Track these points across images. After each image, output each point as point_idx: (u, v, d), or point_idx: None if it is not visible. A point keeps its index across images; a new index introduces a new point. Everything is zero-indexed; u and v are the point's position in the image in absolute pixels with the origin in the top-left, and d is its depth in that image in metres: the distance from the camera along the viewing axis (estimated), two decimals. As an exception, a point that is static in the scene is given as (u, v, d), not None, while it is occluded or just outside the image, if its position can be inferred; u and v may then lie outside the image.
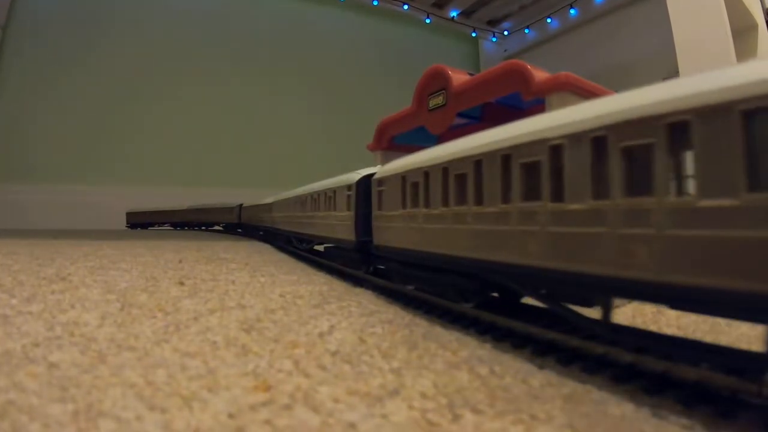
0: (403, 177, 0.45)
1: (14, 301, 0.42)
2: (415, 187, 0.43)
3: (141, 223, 2.50)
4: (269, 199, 1.25)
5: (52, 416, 0.19)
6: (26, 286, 0.49)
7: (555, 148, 0.26)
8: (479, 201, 0.33)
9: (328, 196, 0.68)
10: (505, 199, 0.30)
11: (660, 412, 0.21)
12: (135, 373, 0.24)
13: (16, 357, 0.26)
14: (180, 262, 0.79)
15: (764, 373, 0.21)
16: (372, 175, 0.55)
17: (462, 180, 0.36)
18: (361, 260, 0.58)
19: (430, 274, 0.42)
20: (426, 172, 0.41)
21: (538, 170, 0.28)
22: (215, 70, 2.68)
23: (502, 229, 0.31)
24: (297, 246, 0.95)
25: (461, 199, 0.36)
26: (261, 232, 1.46)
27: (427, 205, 0.41)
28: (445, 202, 0.38)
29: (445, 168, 0.38)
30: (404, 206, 0.45)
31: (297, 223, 0.91)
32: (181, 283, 0.55)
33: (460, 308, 0.38)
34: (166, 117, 2.56)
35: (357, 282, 0.59)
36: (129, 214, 2.49)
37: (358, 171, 0.59)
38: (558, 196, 0.26)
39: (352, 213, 0.57)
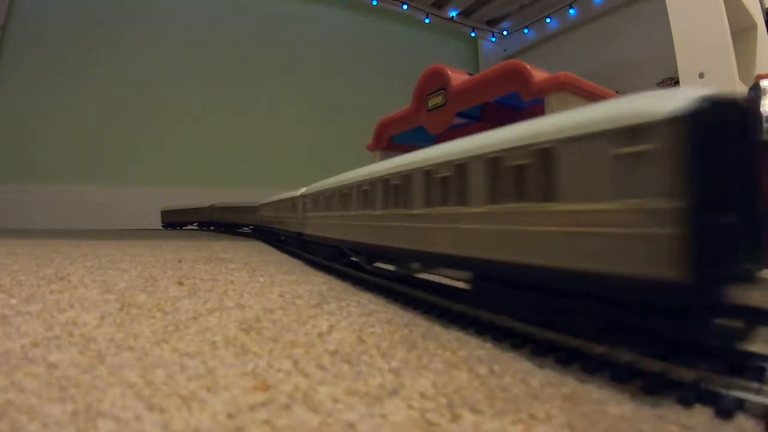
0: None
1: (13, 301, 0.42)
2: None
3: (177, 222, 2.44)
4: (295, 192, 0.91)
5: (51, 416, 0.19)
6: (25, 286, 0.49)
7: None
8: None
9: (504, 167, 0.30)
10: None
11: (660, 412, 0.21)
12: (134, 373, 0.24)
13: (15, 357, 0.26)
14: (179, 262, 0.78)
15: None
16: None
17: None
18: (679, 333, 0.24)
19: None
20: None
21: None
22: (212, 69, 2.67)
23: None
24: (366, 267, 0.59)
25: None
26: (283, 237, 1.10)
27: None
28: None
29: None
30: None
31: (370, 228, 0.53)
32: (181, 283, 0.55)
33: (459, 307, 0.35)
34: (167, 117, 2.55)
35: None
36: (164, 213, 2.42)
37: (671, 92, 0.22)
38: None
39: (670, 205, 0.20)
